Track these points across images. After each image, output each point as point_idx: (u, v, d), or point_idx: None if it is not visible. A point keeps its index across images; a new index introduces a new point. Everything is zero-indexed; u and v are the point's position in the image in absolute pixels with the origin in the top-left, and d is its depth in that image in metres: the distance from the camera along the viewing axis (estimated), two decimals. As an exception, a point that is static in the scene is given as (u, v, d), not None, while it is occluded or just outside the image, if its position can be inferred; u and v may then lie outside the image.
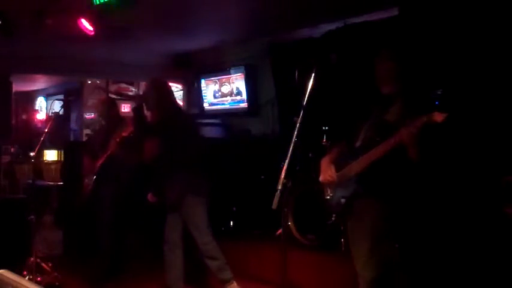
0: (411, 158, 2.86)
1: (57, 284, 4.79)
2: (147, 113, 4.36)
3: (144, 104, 4.29)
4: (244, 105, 7.53)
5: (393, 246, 3.07)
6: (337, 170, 3.18)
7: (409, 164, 2.92)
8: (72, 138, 10.53)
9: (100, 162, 4.85)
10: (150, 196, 4.35)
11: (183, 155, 4.09)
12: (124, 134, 4.70)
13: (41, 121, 12.20)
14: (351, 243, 3.15)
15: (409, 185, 3.03)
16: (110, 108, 5.17)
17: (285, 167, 2.81)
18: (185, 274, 4.39)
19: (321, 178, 3.24)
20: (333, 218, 3.24)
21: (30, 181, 6.52)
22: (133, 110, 4.32)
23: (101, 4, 4.93)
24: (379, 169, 2.96)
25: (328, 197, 3.21)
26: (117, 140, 4.71)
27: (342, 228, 4.33)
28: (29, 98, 12.89)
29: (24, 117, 12.76)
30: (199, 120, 7.30)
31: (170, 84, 4.62)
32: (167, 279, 4.32)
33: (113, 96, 9.62)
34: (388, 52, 3.10)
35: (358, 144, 3.12)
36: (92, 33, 5.30)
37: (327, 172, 3.17)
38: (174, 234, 4.29)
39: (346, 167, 3.11)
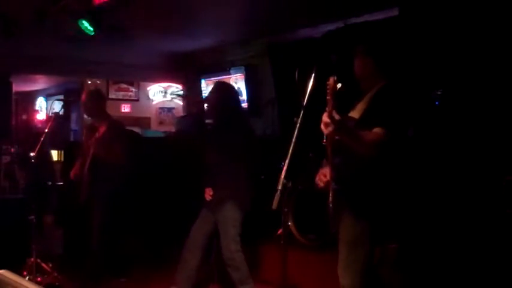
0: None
1: (57, 284, 4.79)
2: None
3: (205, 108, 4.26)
4: (244, 105, 7.52)
5: (372, 251, 3.01)
6: None
7: (381, 166, 2.88)
8: (72, 138, 10.53)
9: (87, 165, 4.80)
10: (207, 194, 4.25)
11: (232, 163, 4.07)
12: (98, 135, 4.66)
13: (41, 121, 12.19)
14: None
15: (383, 188, 2.96)
16: (92, 99, 4.92)
17: (285, 167, 2.80)
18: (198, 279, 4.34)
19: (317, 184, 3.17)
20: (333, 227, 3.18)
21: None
22: (195, 114, 4.28)
23: (101, 4, 4.93)
24: (345, 169, 2.90)
25: (330, 205, 3.14)
26: (95, 138, 4.66)
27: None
28: (29, 98, 12.89)
29: (24, 117, 12.75)
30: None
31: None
32: (177, 276, 4.26)
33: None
34: (363, 48, 3.08)
35: None
36: (92, 33, 5.30)
37: (320, 177, 3.11)
38: (199, 234, 4.23)
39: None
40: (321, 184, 3.07)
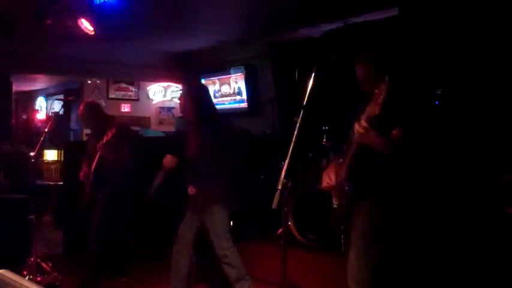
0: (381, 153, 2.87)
1: (57, 284, 4.78)
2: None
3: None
4: (244, 105, 7.53)
5: (386, 247, 3.04)
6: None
7: (398, 164, 2.92)
8: (72, 138, 10.54)
9: (93, 166, 4.82)
10: (190, 189, 4.26)
11: (214, 163, 4.08)
12: (106, 138, 4.67)
13: (41, 121, 12.21)
14: (349, 247, 3.12)
15: (400, 185, 3.01)
16: (91, 111, 5.00)
17: (285, 167, 2.80)
18: (194, 277, 4.34)
19: (322, 185, 3.20)
20: (342, 228, 3.21)
21: (30, 181, 6.52)
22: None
23: (101, 4, 4.93)
24: (365, 170, 2.94)
25: (336, 206, 3.17)
26: (103, 142, 4.68)
27: (342, 228, 4.33)
28: (29, 98, 12.90)
29: (24, 117, 12.76)
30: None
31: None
32: (171, 279, 4.28)
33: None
34: (364, 56, 3.13)
35: (345, 147, 3.14)
36: (92, 33, 5.30)
37: (325, 178, 3.13)
38: (186, 234, 4.23)
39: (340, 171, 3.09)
40: (329, 186, 3.10)
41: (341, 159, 3.19)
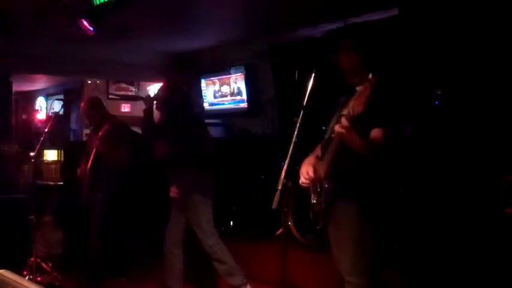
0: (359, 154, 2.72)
1: (57, 284, 4.79)
2: (156, 113, 4.39)
3: (154, 105, 4.31)
4: (244, 105, 7.53)
5: (379, 244, 2.93)
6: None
7: (383, 163, 2.82)
8: (72, 138, 10.54)
9: (89, 164, 4.83)
10: (172, 191, 4.29)
11: (189, 154, 4.10)
12: (100, 134, 4.68)
13: (41, 121, 12.20)
14: (332, 248, 2.99)
15: (387, 185, 2.91)
16: (92, 107, 5.03)
17: (285, 167, 2.79)
18: (187, 275, 4.36)
19: (299, 181, 3.04)
20: (320, 225, 3.05)
21: (30, 181, 6.51)
22: (144, 111, 4.33)
23: (100, 4, 4.93)
24: (348, 168, 2.82)
25: (314, 202, 3.03)
26: (97, 138, 4.70)
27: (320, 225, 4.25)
28: (29, 98, 12.91)
29: (24, 117, 12.76)
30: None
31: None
32: (166, 280, 4.30)
33: (114, 96, 9.64)
34: (352, 43, 3.01)
35: (321, 141, 3.03)
36: (92, 33, 5.30)
37: (303, 174, 2.99)
38: (174, 233, 4.28)
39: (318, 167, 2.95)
40: (307, 183, 2.99)
41: (319, 154, 3.06)
